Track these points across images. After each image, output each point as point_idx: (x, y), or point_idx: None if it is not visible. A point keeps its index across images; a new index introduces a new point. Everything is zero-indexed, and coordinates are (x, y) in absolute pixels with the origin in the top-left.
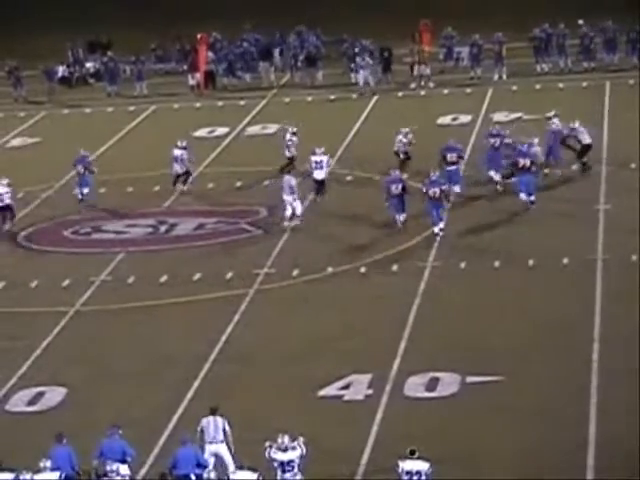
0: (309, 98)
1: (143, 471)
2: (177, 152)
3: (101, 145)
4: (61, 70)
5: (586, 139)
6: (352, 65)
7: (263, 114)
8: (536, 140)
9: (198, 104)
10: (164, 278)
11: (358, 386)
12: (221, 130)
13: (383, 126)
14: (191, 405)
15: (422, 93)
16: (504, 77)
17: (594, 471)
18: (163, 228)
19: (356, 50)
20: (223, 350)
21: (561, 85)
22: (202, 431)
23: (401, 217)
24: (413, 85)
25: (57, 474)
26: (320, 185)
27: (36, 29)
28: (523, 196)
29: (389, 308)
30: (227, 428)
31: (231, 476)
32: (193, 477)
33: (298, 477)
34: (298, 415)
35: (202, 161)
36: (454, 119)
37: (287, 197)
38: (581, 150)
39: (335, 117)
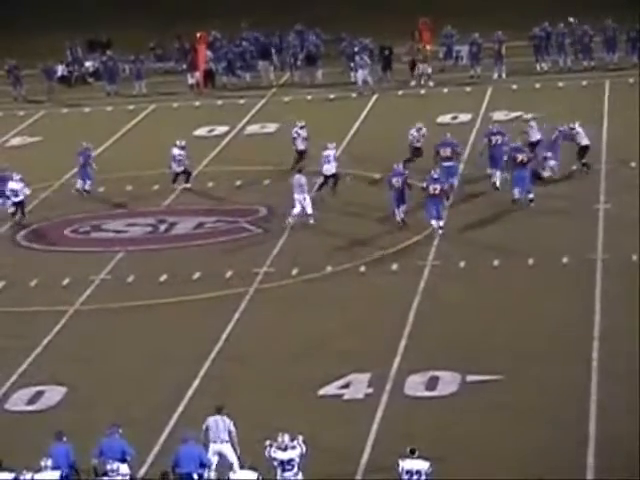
0: (309, 97)
1: (143, 470)
2: (175, 151)
3: (100, 144)
4: (60, 69)
5: (584, 140)
6: (351, 64)
7: (262, 113)
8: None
9: (197, 103)
10: (164, 277)
11: (358, 385)
12: (221, 129)
13: (383, 125)
14: (191, 404)
15: (422, 92)
16: (504, 76)
17: (594, 470)
18: (163, 227)
19: (355, 49)
20: (222, 349)
21: (561, 84)
22: (207, 430)
23: (401, 211)
24: (413, 83)
25: (58, 473)
26: (333, 179)
27: (35, 28)
28: (516, 192)
29: (389, 307)
30: (232, 428)
31: (231, 476)
32: (195, 476)
33: (299, 477)
34: (298, 414)
35: (201, 160)
36: (454, 118)
37: (297, 195)
38: (579, 151)
39: (335, 116)
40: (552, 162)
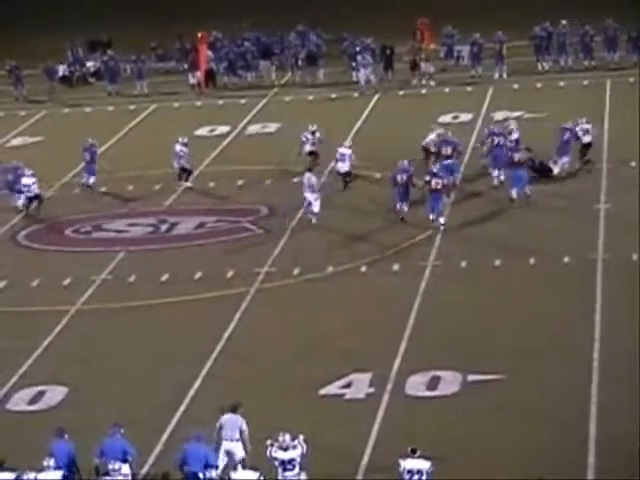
0: (310, 97)
1: (144, 470)
2: (178, 147)
3: (102, 144)
4: (62, 69)
5: (585, 137)
6: (353, 64)
7: (264, 113)
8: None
9: (199, 103)
10: (165, 277)
11: (359, 385)
12: (222, 129)
13: (384, 125)
14: (192, 404)
15: (423, 92)
16: (505, 76)
17: (595, 470)
18: (164, 227)
19: (357, 48)
20: (224, 349)
21: (562, 83)
22: (220, 428)
23: (404, 207)
24: (414, 82)
25: (60, 473)
26: (345, 177)
27: (36, 28)
28: (514, 192)
29: (390, 307)
30: (244, 427)
31: (232, 475)
32: (201, 476)
33: (302, 477)
34: (299, 414)
35: (203, 160)
36: (455, 117)
37: (308, 194)
38: (582, 149)
39: (336, 116)
40: (565, 159)
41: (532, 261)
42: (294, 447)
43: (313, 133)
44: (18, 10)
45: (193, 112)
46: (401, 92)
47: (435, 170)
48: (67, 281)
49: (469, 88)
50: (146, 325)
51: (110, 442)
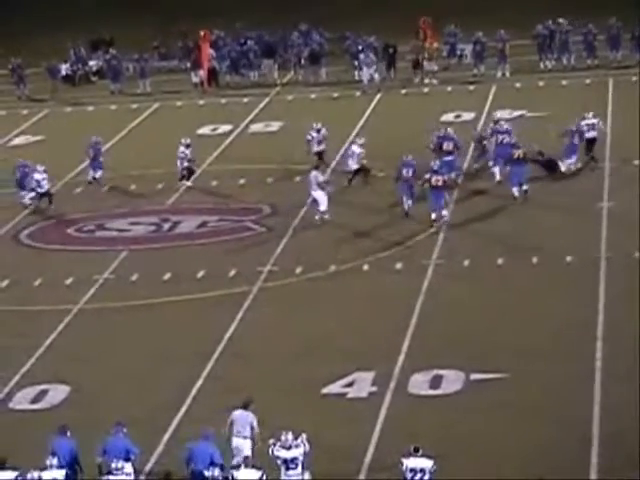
0: (312, 95)
1: (146, 469)
2: (180, 149)
3: (104, 143)
4: (64, 68)
5: (591, 133)
6: (355, 62)
7: (266, 112)
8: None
9: (201, 101)
10: (167, 276)
11: (362, 384)
12: (224, 128)
13: (387, 123)
14: (194, 403)
15: (425, 90)
16: (507, 74)
17: (597, 469)
18: (166, 226)
19: (359, 47)
20: (226, 348)
21: (564, 82)
22: (231, 424)
23: (408, 202)
24: (417, 80)
25: (63, 472)
26: (359, 174)
27: (37, 28)
28: (515, 190)
29: (393, 305)
30: (255, 424)
31: (235, 474)
32: (207, 473)
33: (306, 476)
34: (301, 413)
35: (205, 159)
36: (457, 116)
37: (315, 193)
38: (587, 145)
39: (339, 115)
40: (572, 159)
41: (535, 260)
42: (297, 446)
43: (318, 131)
44: (19, 10)
45: (196, 111)
46: (403, 91)
47: (435, 167)
48: (69, 280)
49: (472, 87)
50: (148, 324)
51: (113, 441)
